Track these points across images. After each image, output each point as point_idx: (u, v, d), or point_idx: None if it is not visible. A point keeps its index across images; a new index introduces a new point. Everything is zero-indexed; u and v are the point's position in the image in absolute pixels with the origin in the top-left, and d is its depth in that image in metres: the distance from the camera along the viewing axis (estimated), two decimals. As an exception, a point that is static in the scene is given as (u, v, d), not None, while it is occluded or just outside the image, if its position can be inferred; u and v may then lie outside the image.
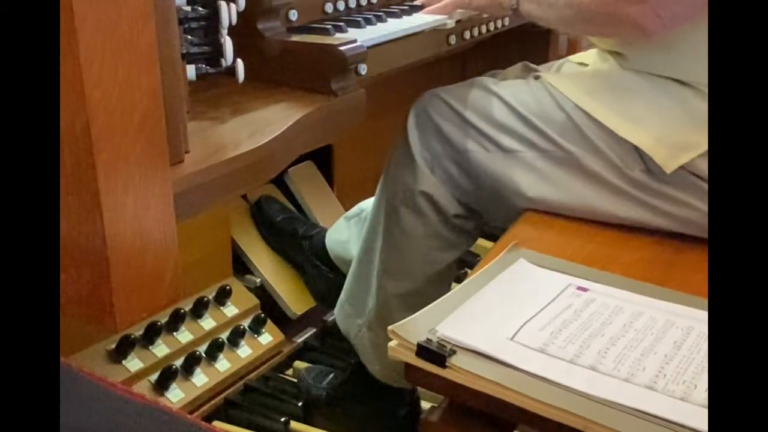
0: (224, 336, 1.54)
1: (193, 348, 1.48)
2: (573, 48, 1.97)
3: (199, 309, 1.53)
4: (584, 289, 0.97)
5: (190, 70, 0.94)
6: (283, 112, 1.06)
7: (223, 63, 0.97)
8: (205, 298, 1.54)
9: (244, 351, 1.56)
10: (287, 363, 1.68)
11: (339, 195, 1.95)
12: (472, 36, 1.56)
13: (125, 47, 0.67)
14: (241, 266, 1.71)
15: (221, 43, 0.96)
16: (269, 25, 1.17)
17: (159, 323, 1.45)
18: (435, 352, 0.81)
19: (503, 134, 1.26)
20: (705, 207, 1.13)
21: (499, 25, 1.64)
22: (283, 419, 1.47)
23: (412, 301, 1.26)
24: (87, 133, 0.66)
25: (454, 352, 0.81)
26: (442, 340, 0.82)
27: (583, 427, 0.74)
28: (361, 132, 1.68)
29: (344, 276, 1.50)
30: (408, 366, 0.83)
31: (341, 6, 1.41)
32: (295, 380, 1.63)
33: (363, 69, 1.17)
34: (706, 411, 0.73)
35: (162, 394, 1.40)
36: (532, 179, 1.24)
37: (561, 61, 1.51)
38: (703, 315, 0.90)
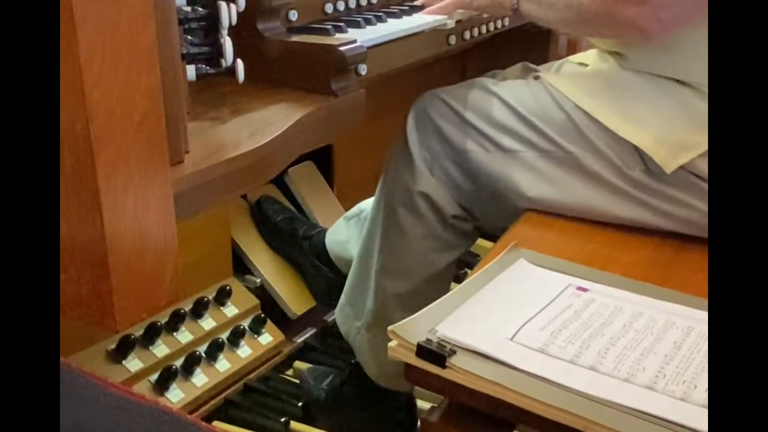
0: (224, 336, 1.54)
1: (193, 348, 1.48)
2: (573, 48, 1.97)
3: (199, 309, 1.53)
4: (584, 290, 0.97)
5: (190, 71, 0.94)
6: (283, 113, 1.06)
7: (223, 63, 0.97)
8: (205, 298, 1.54)
9: (244, 351, 1.56)
10: (287, 363, 1.68)
11: (339, 195, 1.95)
12: (472, 36, 1.56)
13: (125, 47, 0.67)
14: (241, 266, 1.71)
15: (221, 44, 0.96)
16: (269, 25, 1.17)
17: (159, 323, 1.45)
18: (435, 352, 0.81)
19: (503, 134, 1.26)
20: (705, 207, 1.13)
21: (499, 25, 1.64)
22: (283, 419, 1.47)
23: (410, 302, 1.26)
24: (87, 133, 0.66)
25: (454, 352, 0.81)
26: (442, 340, 0.82)
27: (583, 427, 0.74)
28: (361, 132, 1.68)
29: (344, 276, 1.51)
30: (408, 366, 0.83)
31: (341, 6, 1.41)
32: (295, 380, 1.63)
33: (363, 69, 1.17)
34: (706, 411, 0.73)
35: (162, 394, 1.40)
36: (532, 179, 1.24)
37: (561, 61, 1.51)
38: (703, 315, 0.90)
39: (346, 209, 1.70)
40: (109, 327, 0.73)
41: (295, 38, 1.18)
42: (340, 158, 1.95)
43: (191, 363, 1.46)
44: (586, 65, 1.38)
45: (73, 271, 0.72)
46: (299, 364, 1.68)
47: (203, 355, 1.49)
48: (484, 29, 1.59)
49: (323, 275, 1.69)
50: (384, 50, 1.34)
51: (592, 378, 0.79)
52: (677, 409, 0.74)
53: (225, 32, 0.97)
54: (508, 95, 1.28)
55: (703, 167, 1.12)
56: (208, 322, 1.54)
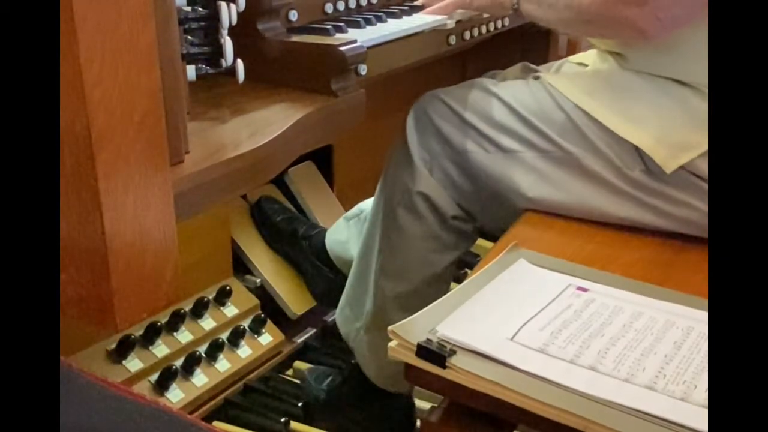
0: (224, 336, 1.54)
1: (193, 348, 1.48)
2: (573, 48, 1.97)
3: (199, 309, 1.53)
4: (584, 290, 0.97)
5: (190, 71, 0.94)
6: (283, 113, 1.06)
7: (223, 63, 0.97)
8: (205, 299, 1.54)
9: (244, 351, 1.56)
10: (287, 363, 1.68)
11: (339, 195, 1.95)
12: (472, 36, 1.56)
13: (125, 47, 0.67)
14: (241, 266, 1.71)
15: (221, 44, 0.96)
16: (269, 25, 1.17)
17: (159, 323, 1.45)
18: (435, 353, 0.81)
19: (503, 135, 1.26)
20: (705, 207, 1.13)
21: (499, 25, 1.64)
22: (283, 419, 1.47)
23: (409, 303, 1.26)
24: (87, 133, 0.66)
25: (454, 352, 0.81)
26: (442, 340, 0.82)
27: (583, 427, 0.74)
28: (361, 132, 1.68)
29: (344, 276, 1.50)
30: (408, 366, 0.83)
31: (341, 6, 1.41)
32: (295, 380, 1.63)
33: (363, 69, 1.17)
34: (706, 411, 0.73)
35: (162, 395, 1.40)
36: (531, 180, 1.24)
37: (561, 61, 1.51)
38: (703, 315, 0.90)
39: (346, 209, 1.70)
40: (109, 327, 0.73)
41: (295, 38, 1.18)
42: (340, 158, 1.95)
43: (191, 363, 1.46)
44: (586, 65, 1.38)
45: (73, 271, 0.72)
46: (299, 365, 1.68)
47: (203, 355, 1.49)
48: (484, 29, 1.59)
49: (323, 275, 1.69)
50: (384, 50, 1.34)
51: (592, 378, 0.79)
52: (677, 409, 0.74)
53: (225, 32, 0.97)
54: (507, 95, 1.28)
55: (703, 167, 1.12)
56: (208, 322, 1.54)
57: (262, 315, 1.62)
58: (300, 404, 1.51)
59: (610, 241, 1.17)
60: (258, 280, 1.70)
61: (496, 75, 1.51)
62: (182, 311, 1.48)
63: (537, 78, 1.32)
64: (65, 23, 0.62)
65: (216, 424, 1.46)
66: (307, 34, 1.24)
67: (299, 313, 1.73)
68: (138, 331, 1.42)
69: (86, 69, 0.64)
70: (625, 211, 1.19)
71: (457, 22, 1.47)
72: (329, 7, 1.39)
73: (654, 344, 0.85)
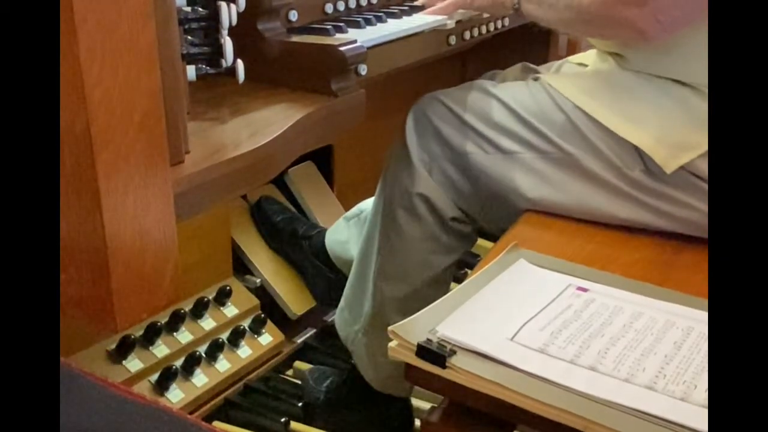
0: (224, 336, 1.54)
1: (193, 348, 1.48)
2: (573, 48, 1.97)
3: (199, 309, 1.53)
4: (584, 290, 0.97)
5: (190, 71, 0.94)
6: (283, 113, 1.06)
7: (224, 63, 0.97)
8: (205, 299, 1.54)
9: (244, 351, 1.56)
10: (287, 363, 1.68)
11: (339, 195, 1.95)
12: (472, 36, 1.56)
13: (125, 47, 0.67)
14: (241, 266, 1.71)
15: (221, 44, 0.96)
16: (269, 25, 1.17)
17: (159, 323, 1.45)
18: (435, 353, 0.81)
19: (502, 136, 1.26)
20: (705, 207, 1.13)
21: (500, 25, 1.64)
22: (283, 419, 1.47)
23: (408, 305, 1.26)
24: (87, 133, 0.66)
25: (455, 352, 0.81)
26: (442, 340, 0.82)
27: (583, 427, 0.74)
28: (361, 132, 1.68)
29: (344, 276, 1.50)
30: (408, 366, 0.83)
31: (341, 6, 1.41)
32: (295, 380, 1.63)
33: (363, 69, 1.17)
34: (706, 411, 0.73)
35: (162, 395, 1.40)
36: (531, 181, 1.24)
37: (560, 61, 1.51)
38: (703, 315, 0.90)
39: (346, 209, 1.70)
40: (109, 327, 0.73)
41: (295, 38, 1.18)
42: (340, 158, 1.95)
43: (191, 363, 1.46)
44: (586, 65, 1.38)
45: (73, 271, 0.72)
46: (299, 365, 1.68)
47: (203, 355, 1.49)
48: (484, 29, 1.59)
49: (323, 275, 1.69)
50: (384, 50, 1.34)
51: (592, 378, 0.79)
52: (677, 409, 0.74)
53: (225, 32, 0.97)
54: (507, 97, 1.28)
55: (703, 167, 1.12)
56: (208, 323, 1.54)
57: (262, 315, 1.62)
58: (300, 404, 1.51)
59: (610, 241, 1.17)
60: (258, 280, 1.70)
61: (496, 75, 1.51)
62: (182, 311, 1.48)
63: (536, 79, 1.32)
64: (65, 23, 0.62)
65: (216, 424, 1.46)
66: (307, 34, 1.24)
67: (299, 313, 1.73)
68: (138, 332, 1.42)
69: (86, 69, 0.64)
70: (625, 211, 1.19)
71: (457, 22, 1.47)
72: (329, 7, 1.39)
73: (654, 344, 0.85)
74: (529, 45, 1.93)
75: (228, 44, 0.96)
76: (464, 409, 0.84)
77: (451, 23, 1.44)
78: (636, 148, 1.16)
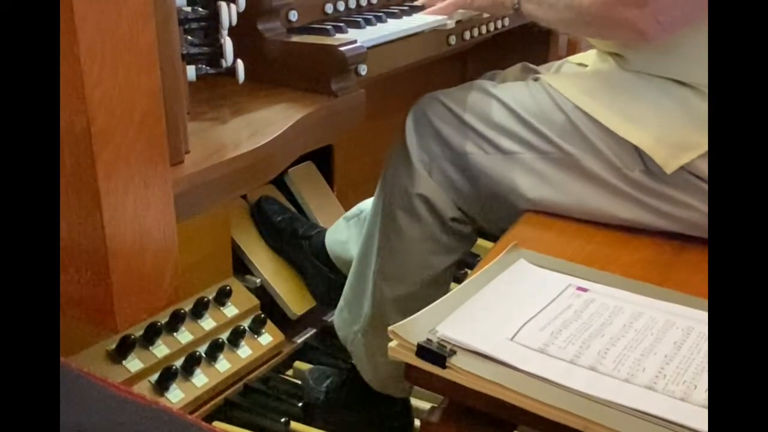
0: (224, 336, 1.54)
1: (193, 348, 1.48)
2: (573, 48, 1.97)
3: (199, 309, 1.52)
4: (584, 290, 0.97)
5: (190, 71, 0.94)
6: (283, 113, 1.06)
7: (224, 63, 0.97)
8: (205, 299, 1.54)
9: (244, 351, 1.56)
10: (287, 363, 1.68)
11: (339, 195, 1.95)
12: (472, 36, 1.56)
13: (125, 47, 0.67)
14: (241, 266, 1.71)
15: (221, 44, 0.96)
16: (269, 25, 1.17)
17: (159, 324, 1.45)
18: (435, 353, 0.81)
19: (502, 136, 1.26)
20: (705, 208, 1.13)
21: (500, 25, 1.64)
22: (283, 419, 1.47)
23: (408, 306, 1.26)
24: (87, 133, 0.66)
25: (455, 352, 0.81)
26: (442, 340, 0.82)
27: (583, 427, 0.74)
28: (361, 132, 1.68)
29: (344, 276, 1.50)
30: (408, 366, 0.83)
31: (341, 6, 1.41)
32: (295, 381, 1.63)
33: (363, 69, 1.17)
34: (706, 411, 0.73)
35: (162, 395, 1.40)
36: (531, 181, 1.24)
37: (561, 61, 1.51)
38: (703, 315, 0.90)
39: (346, 209, 1.70)
40: (109, 327, 0.73)
41: (295, 38, 1.18)
42: (340, 158, 1.95)
43: (191, 363, 1.46)
44: (586, 65, 1.38)
45: (73, 271, 0.72)
46: (299, 365, 1.68)
47: (203, 355, 1.49)
48: (484, 29, 1.59)
49: (323, 275, 1.69)
50: (384, 50, 1.34)
51: (592, 378, 0.79)
52: (677, 409, 0.74)
53: (225, 32, 0.97)
54: (507, 97, 1.28)
55: (703, 168, 1.12)
56: (208, 323, 1.54)
57: (262, 315, 1.62)
58: (300, 404, 1.51)
59: (610, 241, 1.17)
60: (258, 280, 1.70)
61: (496, 75, 1.51)
62: (182, 311, 1.48)
63: (536, 79, 1.32)
64: (65, 23, 0.62)
65: (216, 424, 1.46)
66: (307, 35, 1.24)
67: (299, 313, 1.73)
68: (138, 332, 1.42)
69: (86, 69, 0.64)
70: (625, 211, 1.19)
71: (458, 22, 1.47)
72: (329, 8, 1.39)
73: (654, 344, 0.85)
74: (529, 45, 1.93)
75: (228, 44, 0.96)
76: (464, 409, 0.84)
77: (451, 23, 1.44)
78: (636, 149, 1.16)
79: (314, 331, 1.76)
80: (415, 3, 1.55)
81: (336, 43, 1.13)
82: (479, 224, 1.34)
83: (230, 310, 1.59)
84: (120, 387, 0.66)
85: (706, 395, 0.76)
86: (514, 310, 0.91)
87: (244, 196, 1.76)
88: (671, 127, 1.14)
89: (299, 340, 1.73)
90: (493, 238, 1.34)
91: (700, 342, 0.86)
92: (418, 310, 0.88)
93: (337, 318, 1.47)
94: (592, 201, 1.21)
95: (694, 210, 1.15)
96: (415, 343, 0.82)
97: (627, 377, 0.79)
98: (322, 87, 1.13)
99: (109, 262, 0.70)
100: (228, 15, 0.96)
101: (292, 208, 1.84)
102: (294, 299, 1.73)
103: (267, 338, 1.61)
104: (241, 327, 1.56)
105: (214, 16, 0.95)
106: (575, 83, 1.25)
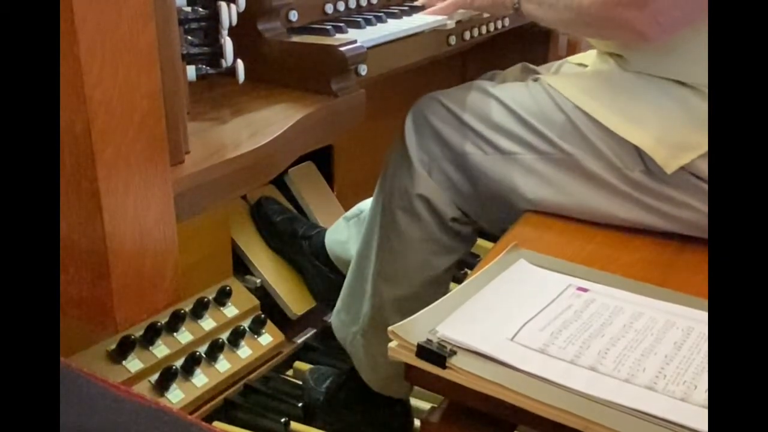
0: (224, 336, 1.54)
1: (193, 348, 1.48)
2: (573, 49, 1.97)
3: (199, 309, 1.53)
4: (584, 290, 0.97)
5: (191, 71, 0.94)
6: (284, 113, 1.06)
7: (224, 63, 0.97)
8: (205, 299, 1.54)
9: (245, 351, 1.56)
10: (287, 363, 1.68)
11: (339, 195, 1.95)
12: (472, 36, 1.56)
13: (125, 47, 0.67)
14: (241, 267, 1.71)
15: (221, 44, 0.96)
16: (269, 25, 1.17)
17: (159, 324, 1.45)
18: (435, 353, 0.81)
19: (501, 137, 1.26)
20: (705, 208, 1.13)
21: (500, 25, 1.64)
22: (283, 420, 1.47)
23: (407, 306, 1.26)
24: (87, 134, 0.66)
25: (455, 352, 0.81)
26: (443, 340, 0.82)
27: (583, 427, 0.74)
28: (361, 132, 1.68)
29: (344, 276, 1.50)
30: (408, 366, 0.83)
31: (341, 6, 1.41)
32: (295, 381, 1.63)
33: (363, 69, 1.17)
34: (706, 411, 0.73)
35: (162, 395, 1.40)
36: (531, 182, 1.24)
37: (560, 62, 1.51)
38: (703, 316, 0.90)
39: (346, 209, 1.70)
40: (109, 327, 0.73)
41: (296, 38, 1.18)
42: (340, 158, 1.95)
43: (191, 363, 1.46)
44: (586, 66, 1.38)
45: (73, 271, 0.72)
46: (299, 365, 1.68)
47: (203, 355, 1.49)
48: (484, 29, 1.59)
49: (323, 275, 1.69)
50: (384, 50, 1.34)
51: (592, 378, 0.79)
52: (677, 409, 0.74)
53: (225, 32, 0.97)
54: (506, 97, 1.28)
55: (704, 168, 1.12)
56: (208, 323, 1.54)
57: (262, 315, 1.62)
58: (300, 405, 1.51)
59: (610, 241, 1.17)
60: (258, 281, 1.70)
61: (496, 75, 1.51)
62: (182, 311, 1.48)
63: (536, 79, 1.32)
64: (65, 23, 0.62)
65: (216, 424, 1.46)
66: (307, 35, 1.24)
67: (299, 313, 1.73)
68: (138, 332, 1.42)
69: (86, 69, 0.64)
70: (625, 212, 1.19)
71: (457, 22, 1.47)
72: (329, 8, 1.39)
73: (654, 344, 0.85)
74: (529, 45, 1.93)
75: (228, 44, 0.96)
76: (464, 409, 0.84)
77: (451, 23, 1.44)
78: (636, 149, 1.16)
79: (314, 331, 1.76)
80: (415, 3, 1.55)
81: (336, 43, 1.13)
82: (479, 224, 1.34)
83: (230, 311, 1.59)
84: (120, 387, 0.66)
85: (706, 395, 0.76)
86: (514, 311, 0.91)
87: (244, 196, 1.77)
88: (671, 127, 1.14)
89: (299, 340, 1.73)
90: (493, 238, 1.34)
91: (700, 342, 0.86)
92: (418, 311, 0.88)
93: (334, 319, 1.47)
94: (592, 201, 1.21)
95: (694, 210, 1.15)
96: (415, 344, 0.82)
97: (627, 377, 0.79)
98: (322, 87, 1.13)
99: (109, 262, 0.70)
100: (228, 15, 0.96)
101: (292, 208, 1.84)
102: (294, 299, 1.73)
103: (267, 338, 1.61)
104: (241, 327, 1.56)
105: (214, 16, 0.95)
106: (575, 83, 1.25)
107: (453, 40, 1.51)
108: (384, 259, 1.34)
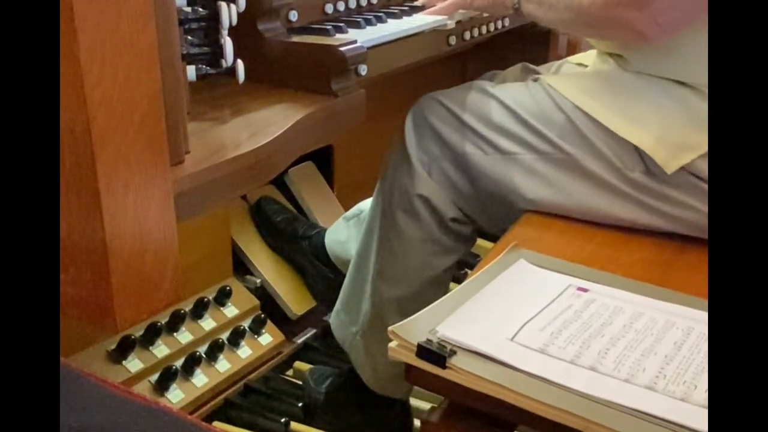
0: (224, 336, 1.54)
1: (193, 348, 1.48)
2: (573, 49, 1.97)
3: (199, 309, 1.53)
4: (584, 290, 0.97)
5: (191, 71, 0.94)
6: (284, 113, 1.06)
7: (224, 63, 0.97)
8: (206, 299, 1.54)
9: (245, 351, 1.56)
10: (287, 363, 1.68)
11: (339, 195, 1.95)
12: (472, 36, 1.56)
13: (125, 47, 0.67)
14: (241, 267, 1.71)
15: (221, 44, 0.96)
16: (269, 25, 1.17)
17: (159, 324, 1.45)
18: (435, 353, 0.81)
19: (501, 137, 1.26)
20: (705, 208, 1.12)
21: (500, 25, 1.64)
22: (283, 420, 1.47)
23: (407, 307, 1.26)
24: (87, 134, 0.66)
25: (455, 352, 0.81)
26: (443, 340, 0.82)
27: (583, 427, 0.74)
28: (361, 132, 1.68)
29: (344, 276, 1.50)
30: (408, 366, 0.83)
31: (341, 7, 1.41)
32: (296, 381, 1.63)
33: (363, 69, 1.17)
34: (706, 411, 0.73)
35: (162, 395, 1.40)
36: (531, 182, 1.24)
37: (560, 62, 1.51)
38: (703, 316, 0.90)
39: (346, 209, 1.70)
40: (109, 327, 0.73)
41: (296, 38, 1.18)
42: (340, 158, 1.95)
43: (191, 363, 1.46)
44: (586, 66, 1.38)
45: (73, 271, 0.72)
46: (299, 365, 1.68)
47: (203, 355, 1.49)
48: (484, 29, 1.59)
49: (323, 275, 1.69)
50: (384, 50, 1.34)
51: (593, 378, 0.79)
52: (677, 409, 0.74)
53: (225, 32, 0.97)
54: (506, 97, 1.28)
55: (704, 168, 1.12)
56: (208, 323, 1.54)
57: (262, 315, 1.62)
58: (300, 405, 1.51)
59: (610, 241, 1.17)
60: (258, 281, 1.70)
61: (496, 76, 1.51)
62: (182, 311, 1.48)
63: (536, 80, 1.32)
64: (65, 23, 0.62)
65: (216, 424, 1.46)
66: (307, 35, 1.24)
67: (299, 313, 1.73)
68: (138, 332, 1.42)
69: (86, 69, 0.64)
70: (625, 212, 1.19)
71: (457, 22, 1.47)
72: (329, 8, 1.39)
73: (654, 344, 0.85)
74: (529, 45, 1.93)
75: (228, 44, 0.96)
76: (464, 409, 0.84)
77: (451, 23, 1.44)
78: (636, 149, 1.16)
79: (314, 331, 1.76)
80: (415, 3, 1.55)
81: (336, 43, 1.13)
82: (479, 224, 1.34)
83: (230, 311, 1.59)
84: (120, 387, 0.66)
85: (706, 395, 0.76)
86: (514, 311, 0.91)
87: (244, 196, 1.77)
88: (671, 127, 1.14)
89: (299, 340, 1.73)
90: (493, 238, 1.34)
91: (700, 342, 0.86)
92: (418, 311, 0.88)
93: (334, 319, 1.47)
94: (592, 201, 1.21)
95: (694, 210, 1.15)
96: (415, 344, 0.82)
97: (627, 377, 0.79)
98: (322, 87, 1.13)
99: (109, 262, 0.70)
100: (228, 15, 0.96)
101: (292, 208, 1.84)
102: (294, 299, 1.73)
103: (267, 338, 1.61)
104: (241, 327, 1.56)
105: (214, 16, 0.95)
106: (575, 83, 1.25)
107: (453, 40, 1.51)
108: (384, 259, 1.34)
